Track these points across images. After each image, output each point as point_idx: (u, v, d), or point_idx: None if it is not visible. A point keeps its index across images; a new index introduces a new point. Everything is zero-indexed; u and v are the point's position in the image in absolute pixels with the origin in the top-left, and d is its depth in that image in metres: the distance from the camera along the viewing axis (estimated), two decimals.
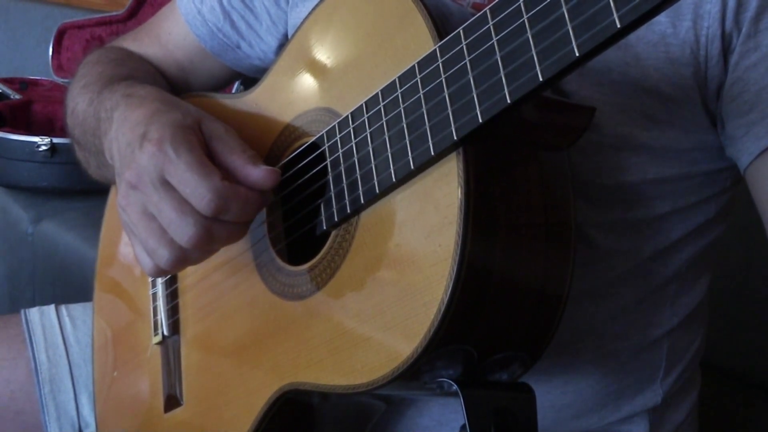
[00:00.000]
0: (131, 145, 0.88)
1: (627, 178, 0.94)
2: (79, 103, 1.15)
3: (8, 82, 2.83)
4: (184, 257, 0.87)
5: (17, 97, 2.73)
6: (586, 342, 0.97)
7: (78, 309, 1.35)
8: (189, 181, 0.83)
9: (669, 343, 1.05)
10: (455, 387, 0.77)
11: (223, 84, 1.31)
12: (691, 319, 1.06)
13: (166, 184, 0.84)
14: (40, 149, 2.39)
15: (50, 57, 2.93)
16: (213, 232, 0.84)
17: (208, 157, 0.86)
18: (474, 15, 0.74)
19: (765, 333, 1.53)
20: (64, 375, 1.27)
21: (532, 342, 0.79)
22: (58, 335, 1.30)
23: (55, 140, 2.40)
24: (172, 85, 1.26)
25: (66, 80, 2.91)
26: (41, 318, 1.32)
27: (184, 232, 0.83)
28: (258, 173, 0.87)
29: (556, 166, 0.79)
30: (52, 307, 1.34)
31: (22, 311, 1.33)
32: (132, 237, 0.90)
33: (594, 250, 0.95)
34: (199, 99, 1.14)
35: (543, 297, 0.78)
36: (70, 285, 2.24)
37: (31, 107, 2.70)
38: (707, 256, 1.05)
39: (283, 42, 1.19)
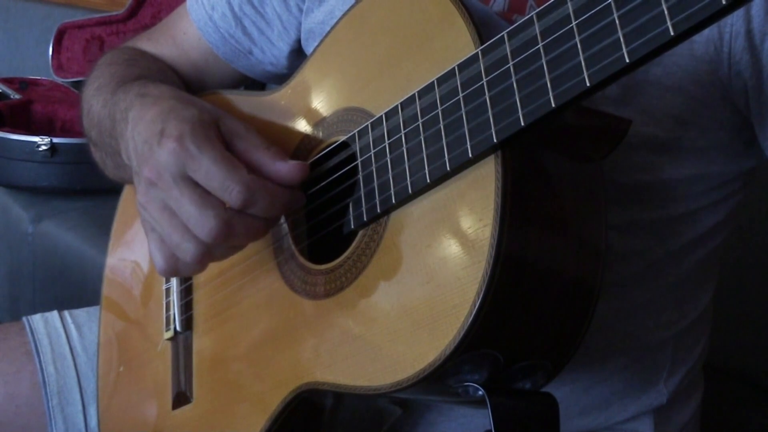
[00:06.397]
0: (148, 142, 0.88)
1: (643, 177, 0.95)
2: (93, 105, 1.15)
3: (8, 82, 2.84)
4: (207, 252, 0.86)
5: (17, 97, 2.74)
6: (595, 340, 0.98)
7: (82, 315, 1.33)
8: (215, 175, 0.83)
9: (675, 344, 1.07)
10: (481, 392, 0.76)
11: (237, 85, 1.31)
12: (697, 322, 1.08)
13: (187, 180, 0.84)
14: (40, 149, 2.39)
15: (50, 57, 2.94)
16: (234, 226, 0.84)
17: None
18: (502, 21, 0.74)
19: (765, 333, 1.54)
20: (73, 386, 1.25)
21: (558, 351, 0.79)
22: (65, 345, 1.28)
23: (55, 140, 2.40)
24: (187, 84, 1.26)
25: (66, 80, 2.91)
26: (46, 327, 1.29)
27: (204, 225, 0.83)
28: (286, 167, 0.87)
29: (590, 176, 0.79)
30: (56, 313, 1.32)
31: (25, 319, 1.31)
32: (151, 235, 0.90)
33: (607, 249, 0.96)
34: (218, 96, 1.14)
35: (572, 306, 0.78)
36: (70, 285, 2.24)
37: (31, 107, 2.71)
38: (714, 260, 1.07)
39: (295, 47, 1.20)
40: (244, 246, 0.90)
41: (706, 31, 0.88)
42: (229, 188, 0.82)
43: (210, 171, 0.83)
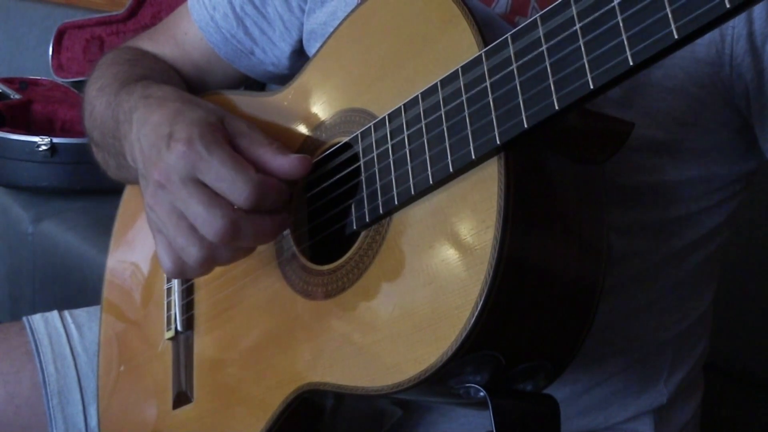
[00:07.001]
0: (156, 145, 0.88)
1: (644, 179, 0.95)
2: (96, 105, 1.15)
3: (8, 82, 2.84)
4: (212, 255, 0.87)
5: (17, 97, 2.73)
6: (596, 341, 0.99)
7: (83, 315, 1.33)
8: (225, 176, 0.83)
9: (675, 344, 1.07)
10: (483, 393, 0.76)
11: (238, 85, 1.31)
12: (697, 322, 1.08)
13: (195, 181, 0.85)
14: (40, 149, 2.39)
15: (50, 57, 2.94)
16: (241, 226, 0.84)
17: None
18: (504, 23, 0.74)
19: (765, 333, 1.54)
20: (73, 386, 1.25)
21: (560, 352, 0.79)
22: (65, 345, 1.28)
23: (55, 140, 2.40)
24: (189, 84, 1.26)
25: (66, 80, 2.91)
26: (46, 327, 1.29)
27: (212, 225, 0.83)
28: (288, 161, 0.87)
29: (592, 178, 0.80)
30: (56, 313, 1.32)
31: (25, 319, 1.31)
32: (158, 236, 0.90)
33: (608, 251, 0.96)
34: (220, 96, 1.14)
35: (574, 307, 0.78)
36: (71, 285, 2.24)
37: (31, 107, 2.71)
38: (715, 261, 1.08)
39: (297, 48, 1.20)
40: (250, 249, 0.90)
41: (707, 34, 0.88)
42: (239, 189, 0.83)
43: (219, 172, 0.84)
